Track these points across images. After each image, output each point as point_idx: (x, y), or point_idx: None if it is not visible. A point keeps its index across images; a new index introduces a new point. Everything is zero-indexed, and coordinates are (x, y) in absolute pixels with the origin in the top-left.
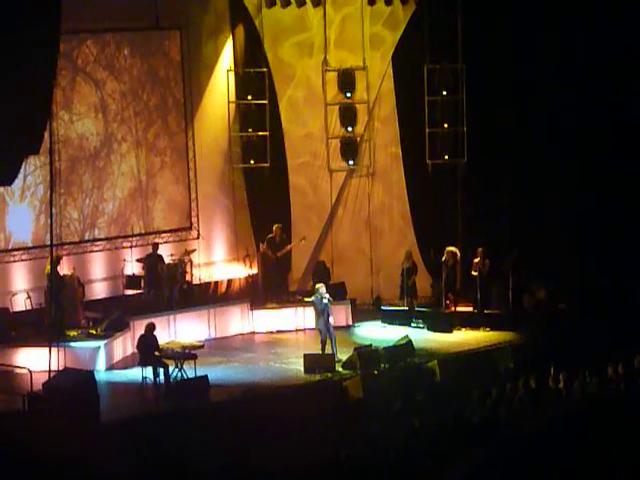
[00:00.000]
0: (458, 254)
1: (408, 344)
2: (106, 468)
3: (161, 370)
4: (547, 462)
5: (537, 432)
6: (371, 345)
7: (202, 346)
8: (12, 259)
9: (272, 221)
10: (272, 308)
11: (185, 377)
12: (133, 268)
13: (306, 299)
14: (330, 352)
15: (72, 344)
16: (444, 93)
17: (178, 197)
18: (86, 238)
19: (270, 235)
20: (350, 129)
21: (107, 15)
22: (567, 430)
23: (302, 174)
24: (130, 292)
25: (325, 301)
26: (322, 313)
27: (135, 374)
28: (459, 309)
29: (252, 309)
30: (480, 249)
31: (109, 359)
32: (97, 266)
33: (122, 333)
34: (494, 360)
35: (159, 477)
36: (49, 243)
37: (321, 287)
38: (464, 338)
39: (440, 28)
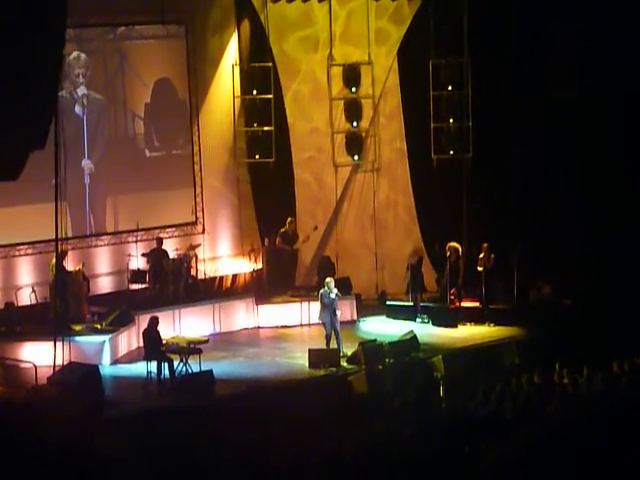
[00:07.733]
0: (460, 249)
1: (413, 339)
2: (110, 462)
3: (166, 365)
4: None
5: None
6: (376, 340)
7: (207, 341)
8: (17, 253)
9: (277, 216)
10: (277, 303)
11: (190, 372)
12: (138, 263)
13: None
14: (335, 347)
15: (77, 338)
16: (449, 88)
17: (183, 192)
18: (91, 232)
19: (283, 229)
20: (355, 124)
21: (112, 9)
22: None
23: (307, 169)
24: (135, 287)
25: (333, 295)
26: (328, 307)
27: (140, 369)
28: (464, 304)
29: (257, 304)
30: (485, 244)
31: (114, 354)
32: (102, 261)
33: (127, 328)
34: (499, 355)
35: (163, 471)
36: (54, 237)
37: (331, 281)
38: (469, 333)
39: (446, 23)
